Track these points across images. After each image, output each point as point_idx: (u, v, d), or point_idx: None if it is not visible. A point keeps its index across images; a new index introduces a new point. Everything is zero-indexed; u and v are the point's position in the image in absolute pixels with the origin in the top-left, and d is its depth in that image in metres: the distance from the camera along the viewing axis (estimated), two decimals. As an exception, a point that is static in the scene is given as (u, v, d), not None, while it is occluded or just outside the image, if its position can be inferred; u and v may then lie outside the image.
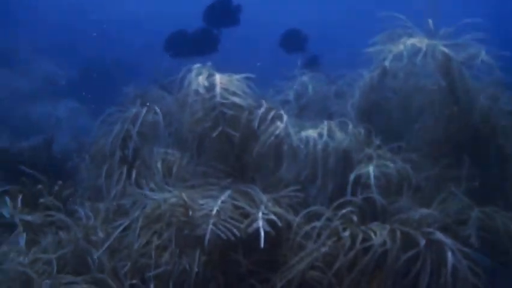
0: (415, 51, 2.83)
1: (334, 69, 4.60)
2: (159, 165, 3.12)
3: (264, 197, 2.35)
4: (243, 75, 2.56)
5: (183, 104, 2.58)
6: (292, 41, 6.23)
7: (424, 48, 2.79)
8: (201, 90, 2.42)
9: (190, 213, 2.13)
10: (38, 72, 9.55)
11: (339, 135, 2.87)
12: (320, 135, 2.81)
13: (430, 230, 2.31)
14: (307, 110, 4.12)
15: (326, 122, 2.92)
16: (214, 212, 2.16)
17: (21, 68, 9.39)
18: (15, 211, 2.69)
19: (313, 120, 3.27)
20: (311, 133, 2.82)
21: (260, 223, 2.12)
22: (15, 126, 6.91)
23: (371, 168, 2.76)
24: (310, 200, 2.79)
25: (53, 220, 2.95)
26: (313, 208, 2.44)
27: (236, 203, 2.28)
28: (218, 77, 2.47)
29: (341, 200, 2.52)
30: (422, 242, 2.18)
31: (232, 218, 2.17)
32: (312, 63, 5.58)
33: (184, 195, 2.16)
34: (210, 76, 2.48)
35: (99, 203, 3.13)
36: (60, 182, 3.92)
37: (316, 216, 2.44)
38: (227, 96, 2.43)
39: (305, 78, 4.11)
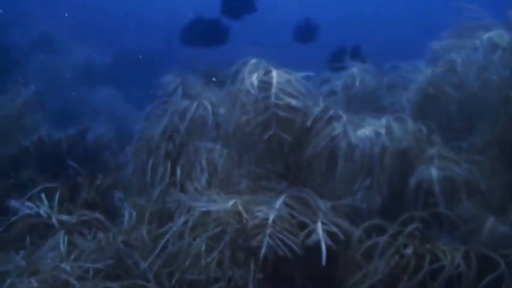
0: (492, 47, 2.53)
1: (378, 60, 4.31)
2: (204, 162, 2.97)
3: (323, 204, 2.14)
4: (302, 73, 2.33)
5: (234, 101, 2.39)
6: (304, 32, 6.10)
7: (504, 44, 2.48)
8: (255, 89, 2.21)
9: (245, 221, 1.95)
10: (76, 58, 9.57)
11: (398, 133, 2.62)
12: (377, 133, 2.57)
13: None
14: (355, 102, 3.87)
15: (384, 119, 2.67)
16: (270, 221, 1.97)
17: (60, 53, 9.43)
18: (52, 211, 2.57)
19: (362, 113, 3.04)
20: (368, 131, 2.57)
21: (321, 235, 1.92)
22: (55, 113, 6.92)
23: (433, 172, 2.50)
24: (363, 206, 2.58)
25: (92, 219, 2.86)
26: (375, 221, 2.20)
27: (292, 211, 2.08)
28: (275, 75, 2.24)
29: (405, 215, 2.26)
30: (503, 264, 1.93)
31: (289, 229, 1.98)
32: (354, 54, 5.31)
33: (239, 201, 1.98)
34: (267, 73, 2.26)
35: (142, 200, 3.03)
36: (101, 176, 3.84)
37: (374, 228, 2.22)
38: (282, 97, 2.21)
39: (354, 69, 3.84)
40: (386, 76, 3.88)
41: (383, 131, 2.55)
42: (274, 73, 2.26)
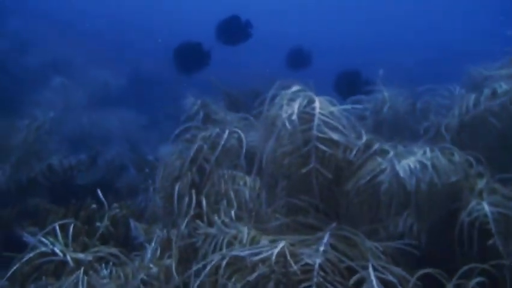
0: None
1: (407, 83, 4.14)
2: (232, 193, 2.78)
3: (372, 246, 1.93)
4: (348, 106, 2.15)
5: (269, 129, 2.20)
6: (297, 59, 6.12)
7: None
8: (295, 120, 2.02)
9: (289, 266, 1.73)
10: (91, 82, 9.53)
11: (445, 165, 2.41)
12: (423, 166, 2.36)
13: None
14: (385, 128, 3.67)
15: (427, 149, 2.46)
16: (317, 266, 1.76)
17: (75, 77, 9.39)
18: (67, 248, 2.39)
19: (394, 141, 2.85)
20: (412, 163, 2.36)
21: (374, 284, 1.70)
22: (70, 137, 6.80)
23: (486, 208, 2.28)
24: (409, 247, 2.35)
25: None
26: (429, 270, 1.96)
27: (339, 254, 1.87)
28: (318, 105, 2.06)
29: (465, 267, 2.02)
30: None
31: (337, 276, 1.77)
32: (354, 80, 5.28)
33: (286, 243, 1.77)
34: (309, 104, 2.08)
35: (160, 231, 2.84)
36: (115, 205, 3.65)
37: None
38: (325, 131, 2.03)
39: (385, 93, 3.65)
40: (418, 100, 3.69)
41: (428, 163, 2.34)
42: (317, 103, 2.08)
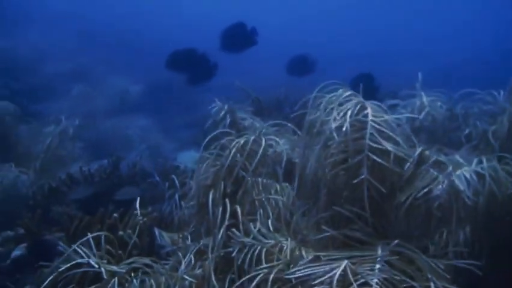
0: None
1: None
2: (267, 204, 2.63)
3: (431, 263, 1.76)
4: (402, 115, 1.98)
5: (312, 137, 2.05)
6: (301, 66, 6.04)
7: None
8: (347, 129, 1.87)
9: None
10: (111, 88, 9.50)
11: (502, 175, 2.22)
12: (480, 177, 2.18)
13: None
14: (424, 135, 3.48)
15: (483, 159, 2.28)
16: (375, 286, 1.60)
17: (95, 84, 9.37)
18: (101, 260, 2.25)
19: (433, 148, 2.67)
20: (467, 174, 2.18)
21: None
22: (91, 144, 6.73)
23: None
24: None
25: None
26: None
27: (397, 273, 1.70)
28: (370, 112, 1.90)
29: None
30: None
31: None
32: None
33: (348, 263, 1.61)
34: (361, 110, 1.92)
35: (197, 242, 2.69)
36: (140, 211, 3.51)
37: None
38: (378, 140, 1.87)
39: (424, 98, 3.47)
40: (457, 106, 3.50)
41: (486, 173, 2.16)
42: (370, 110, 1.92)
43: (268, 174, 2.75)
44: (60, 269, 2.11)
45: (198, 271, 2.48)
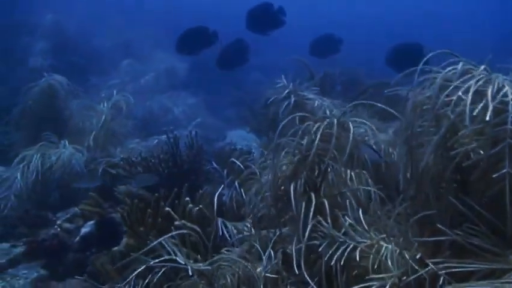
0: None
1: None
2: (352, 198, 2.31)
3: None
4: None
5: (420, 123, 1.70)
6: (326, 46, 5.61)
7: None
8: (485, 113, 1.49)
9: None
10: (158, 65, 9.34)
11: None
12: None
13: None
14: None
15: None
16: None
17: (143, 60, 9.24)
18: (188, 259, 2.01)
19: None
20: None
21: None
22: (141, 120, 6.60)
23: None
24: None
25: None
26: None
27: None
28: (510, 90, 1.52)
29: None
30: None
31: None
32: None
33: None
34: (500, 89, 1.54)
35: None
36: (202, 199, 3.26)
37: None
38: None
39: None
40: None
41: None
42: (508, 88, 1.54)
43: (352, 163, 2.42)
44: (149, 264, 1.89)
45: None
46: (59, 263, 3.50)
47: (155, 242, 2.02)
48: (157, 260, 1.93)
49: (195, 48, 5.33)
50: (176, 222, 2.83)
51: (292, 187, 2.22)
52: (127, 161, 3.60)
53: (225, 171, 3.68)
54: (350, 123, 2.26)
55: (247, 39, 5.57)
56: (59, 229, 3.71)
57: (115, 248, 3.15)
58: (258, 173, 2.94)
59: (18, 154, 4.87)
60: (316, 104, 3.50)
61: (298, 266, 2.06)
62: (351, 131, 2.17)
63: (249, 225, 2.86)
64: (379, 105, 2.28)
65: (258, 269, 2.08)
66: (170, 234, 2.09)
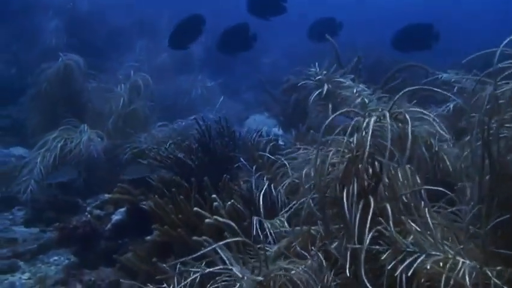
0: None
1: None
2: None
3: None
4: None
5: None
6: (325, 30, 5.43)
7: None
8: None
9: None
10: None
11: None
12: None
13: None
14: None
15: None
16: None
17: (158, 39, 8.96)
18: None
19: None
20: None
21: None
22: (159, 103, 6.37)
23: None
24: None
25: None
26: None
27: None
28: None
29: None
30: None
31: None
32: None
33: None
34: None
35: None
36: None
37: None
38: None
39: None
40: None
41: None
42: None
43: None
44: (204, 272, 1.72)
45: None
46: (90, 250, 3.38)
47: (209, 248, 1.83)
48: (212, 269, 1.74)
49: (235, 49, 5.10)
50: (207, 220, 2.65)
51: (345, 191, 2.00)
52: (157, 152, 3.35)
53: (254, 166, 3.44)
54: (407, 114, 2.03)
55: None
56: (89, 216, 3.58)
57: (148, 238, 2.99)
58: (288, 167, 2.76)
59: (37, 137, 4.74)
60: (355, 92, 3.24)
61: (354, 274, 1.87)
62: (409, 124, 1.95)
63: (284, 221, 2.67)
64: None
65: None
66: (224, 242, 1.88)
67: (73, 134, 4.25)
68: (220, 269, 1.74)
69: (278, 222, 2.62)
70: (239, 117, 7.43)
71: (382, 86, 4.17)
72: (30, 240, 3.70)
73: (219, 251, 1.78)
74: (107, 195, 3.84)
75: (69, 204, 4.02)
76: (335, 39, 5.68)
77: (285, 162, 2.90)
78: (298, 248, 2.20)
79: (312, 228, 2.23)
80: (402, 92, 2.32)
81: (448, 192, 1.94)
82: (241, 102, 8.44)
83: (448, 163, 2.49)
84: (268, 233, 2.56)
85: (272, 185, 2.99)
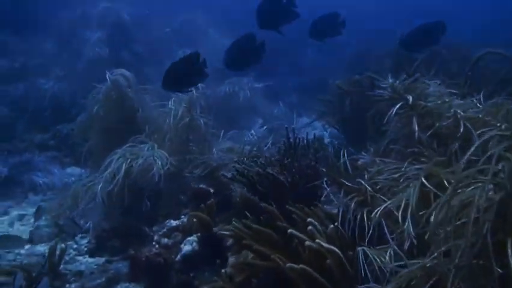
0: None
1: None
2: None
3: None
4: None
5: None
6: (329, 27, 5.02)
7: None
8: None
9: None
10: (218, 49, 8.81)
11: None
12: None
13: None
14: None
15: None
16: None
17: (200, 45, 8.73)
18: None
19: None
20: None
21: None
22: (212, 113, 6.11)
23: None
24: None
25: None
26: None
27: None
28: None
29: None
30: None
31: None
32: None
33: None
34: None
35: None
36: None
37: None
38: None
39: None
40: None
41: None
42: None
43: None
44: None
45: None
46: (163, 284, 3.15)
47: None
48: None
49: (245, 65, 4.79)
50: (307, 243, 2.35)
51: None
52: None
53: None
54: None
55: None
56: (157, 245, 3.34)
57: (224, 271, 2.73)
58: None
59: (94, 157, 4.57)
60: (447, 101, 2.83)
61: None
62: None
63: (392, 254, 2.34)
64: None
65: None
66: None
67: (136, 153, 4.02)
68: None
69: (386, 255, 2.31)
70: (290, 121, 7.09)
71: (465, 81, 3.78)
72: (98, 273, 3.51)
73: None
74: (173, 222, 3.60)
75: (134, 231, 3.78)
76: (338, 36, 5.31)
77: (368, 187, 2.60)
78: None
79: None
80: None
81: None
82: (289, 105, 8.08)
83: None
84: (377, 268, 2.26)
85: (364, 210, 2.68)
